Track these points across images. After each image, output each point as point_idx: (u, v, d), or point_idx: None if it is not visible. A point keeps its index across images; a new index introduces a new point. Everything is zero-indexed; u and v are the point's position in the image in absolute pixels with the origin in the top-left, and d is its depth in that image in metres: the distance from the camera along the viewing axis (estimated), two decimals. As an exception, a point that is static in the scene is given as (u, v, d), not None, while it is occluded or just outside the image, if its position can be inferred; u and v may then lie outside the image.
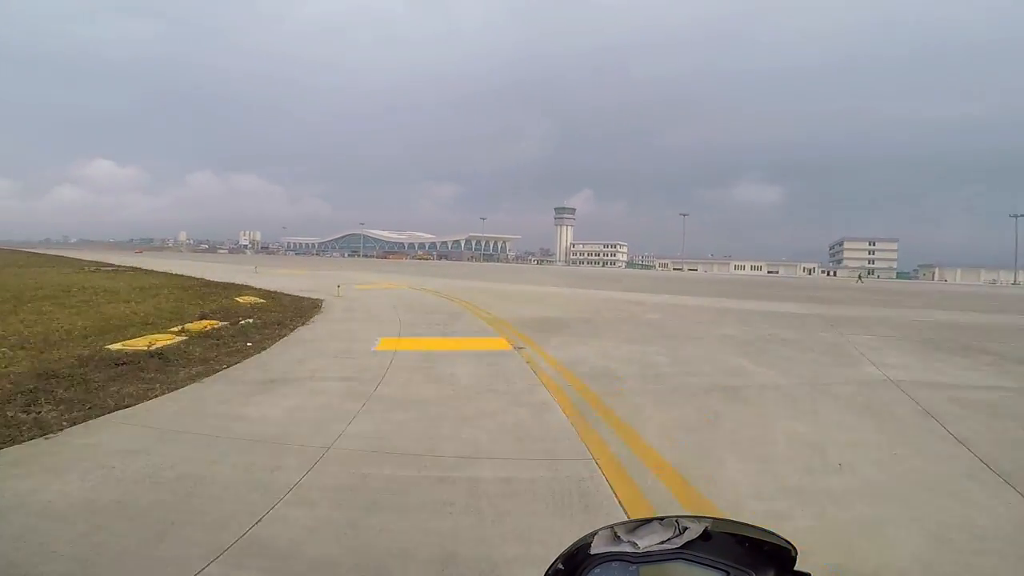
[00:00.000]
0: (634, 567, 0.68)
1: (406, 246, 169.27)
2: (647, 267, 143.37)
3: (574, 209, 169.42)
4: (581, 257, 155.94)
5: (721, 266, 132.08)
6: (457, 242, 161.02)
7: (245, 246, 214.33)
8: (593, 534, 0.73)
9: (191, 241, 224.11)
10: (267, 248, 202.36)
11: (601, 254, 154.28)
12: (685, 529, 0.70)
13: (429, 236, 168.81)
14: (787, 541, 0.67)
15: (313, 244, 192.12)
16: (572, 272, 54.64)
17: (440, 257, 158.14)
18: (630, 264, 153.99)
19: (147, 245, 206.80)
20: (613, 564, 0.69)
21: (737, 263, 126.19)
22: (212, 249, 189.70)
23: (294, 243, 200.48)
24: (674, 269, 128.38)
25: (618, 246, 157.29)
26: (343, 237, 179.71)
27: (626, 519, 0.75)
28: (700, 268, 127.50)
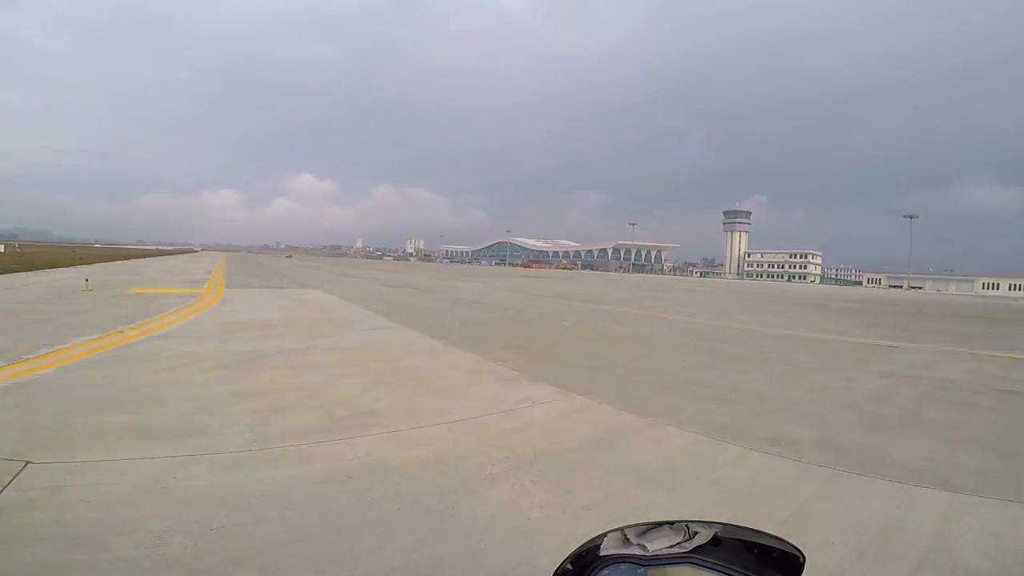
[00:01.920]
0: (643, 570, 0.69)
1: (550, 255, 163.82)
2: (845, 283, 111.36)
3: (749, 213, 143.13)
4: (759, 269, 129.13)
5: (959, 283, 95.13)
6: (604, 251, 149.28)
7: (410, 253, 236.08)
8: (603, 536, 0.74)
9: (369, 248, 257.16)
10: (428, 255, 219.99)
11: (786, 265, 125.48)
12: (695, 534, 0.71)
13: (574, 244, 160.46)
14: (796, 548, 0.69)
15: (467, 252, 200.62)
16: (756, 292, 38.50)
17: (585, 267, 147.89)
18: (823, 279, 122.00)
19: (333, 251, 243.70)
20: (622, 566, 0.70)
21: (985, 280, 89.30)
22: (381, 256, 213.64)
23: (450, 251, 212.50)
24: (891, 287, 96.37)
25: (810, 256, 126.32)
26: (492, 245, 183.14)
27: (636, 522, 0.76)
28: (928, 286, 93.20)
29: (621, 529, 0.74)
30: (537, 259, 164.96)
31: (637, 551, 0.71)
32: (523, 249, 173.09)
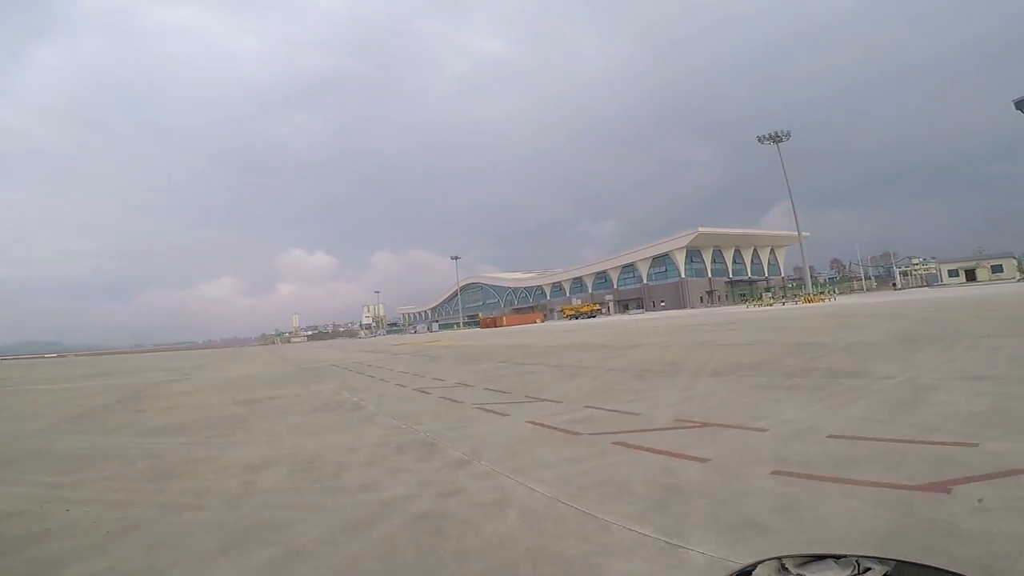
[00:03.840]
0: None
1: (547, 293, 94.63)
2: None
3: None
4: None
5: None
6: (662, 260, 78.21)
7: (368, 324, 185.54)
8: (756, 564, 0.75)
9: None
10: (395, 324, 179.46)
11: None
12: (866, 570, 0.70)
13: (583, 267, 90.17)
14: None
15: (421, 314, 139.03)
16: None
17: (627, 304, 78.26)
18: None
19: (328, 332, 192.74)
20: None
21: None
22: (353, 333, 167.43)
23: (406, 314, 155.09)
24: None
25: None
26: (451, 297, 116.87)
27: (796, 553, 0.75)
28: None
29: (779, 558, 0.72)
30: (528, 304, 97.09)
31: None
32: (501, 289, 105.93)
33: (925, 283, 78.00)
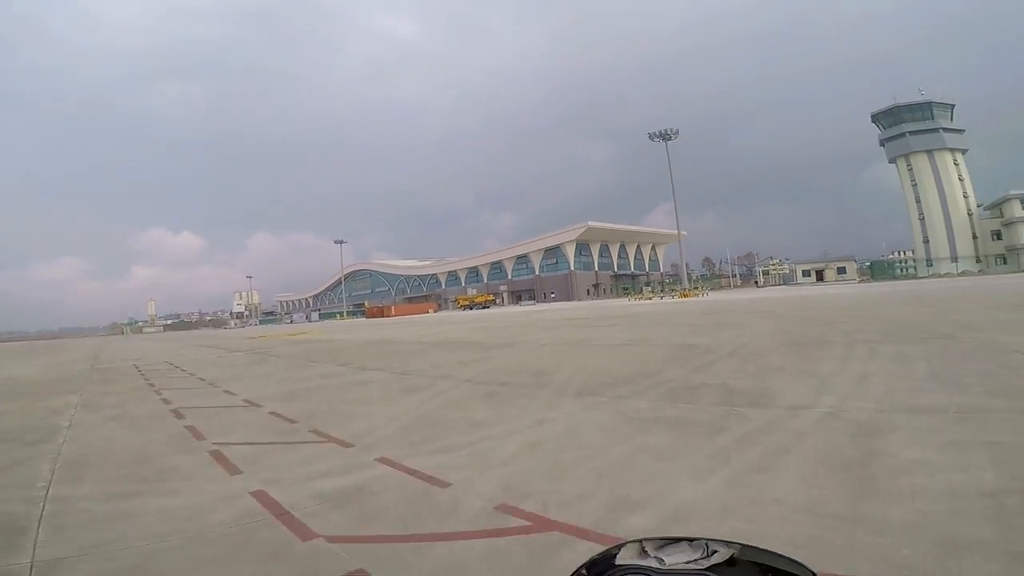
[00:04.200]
0: None
1: (441, 282, 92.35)
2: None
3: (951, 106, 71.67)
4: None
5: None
6: (553, 252, 78.98)
7: (239, 313, 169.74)
8: (620, 546, 0.81)
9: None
10: (271, 313, 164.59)
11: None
12: (714, 552, 0.76)
13: (479, 256, 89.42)
14: (812, 573, 0.72)
15: (302, 301, 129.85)
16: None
17: (520, 295, 78.56)
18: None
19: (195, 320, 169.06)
20: None
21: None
22: (221, 323, 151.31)
23: (285, 302, 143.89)
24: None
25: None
26: (335, 284, 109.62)
27: (655, 535, 0.83)
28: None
29: (640, 540, 0.80)
30: (419, 292, 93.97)
31: (653, 563, 0.75)
32: (393, 277, 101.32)
33: (783, 281, 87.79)
